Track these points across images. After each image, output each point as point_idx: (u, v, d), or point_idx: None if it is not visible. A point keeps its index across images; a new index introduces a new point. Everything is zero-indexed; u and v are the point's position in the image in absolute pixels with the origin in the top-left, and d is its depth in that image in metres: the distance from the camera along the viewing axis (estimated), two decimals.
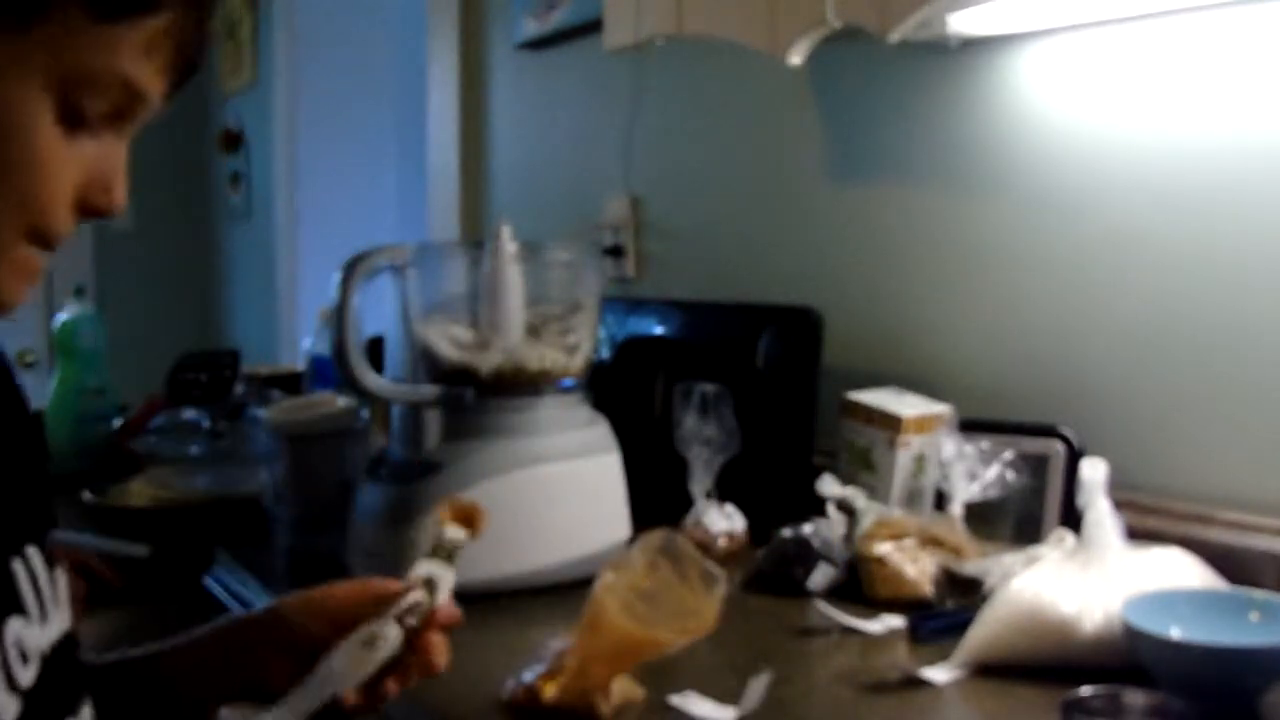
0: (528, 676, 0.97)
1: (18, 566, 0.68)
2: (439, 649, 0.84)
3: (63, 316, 2.06)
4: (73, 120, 0.63)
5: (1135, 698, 0.87)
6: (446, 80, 2.53)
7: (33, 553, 0.70)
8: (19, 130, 0.62)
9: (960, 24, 1.38)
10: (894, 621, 1.15)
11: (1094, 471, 1.07)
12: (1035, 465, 1.28)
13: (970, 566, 1.20)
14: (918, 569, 1.22)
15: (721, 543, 1.41)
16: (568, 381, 1.34)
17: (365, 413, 1.61)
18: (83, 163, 0.65)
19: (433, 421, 1.31)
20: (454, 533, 0.87)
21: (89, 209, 0.66)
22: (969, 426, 1.31)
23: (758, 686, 0.96)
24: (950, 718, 0.97)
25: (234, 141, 3.87)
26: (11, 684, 0.65)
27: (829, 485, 1.32)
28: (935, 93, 1.52)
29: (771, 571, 1.29)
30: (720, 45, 1.58)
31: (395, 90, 2.73)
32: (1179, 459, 1.28)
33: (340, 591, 0.87)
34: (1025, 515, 1.29)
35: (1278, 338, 1.20)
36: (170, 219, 4.20)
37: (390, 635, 0.81)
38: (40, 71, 0.61)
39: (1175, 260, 1.28)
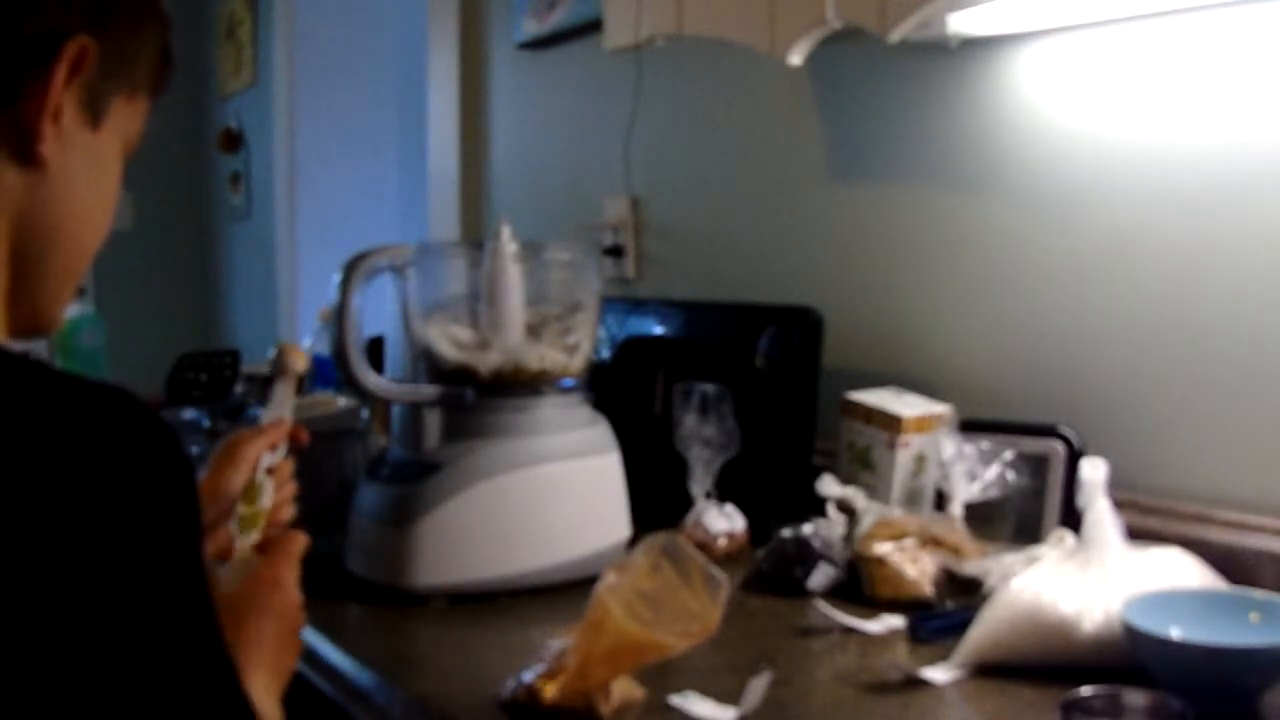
0: (528, 676, 0.97)
1: None
2: None
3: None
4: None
5: (1135, 698, 0.87)
6: (446, 80, 2.53)
7: None
8: (115, 194, 0.75)
9: (960, 24, 1.38)
10: (894, 621, 1.15)
11: (1094, 471, 1.07)
12: (1035, 465, 1.28)
13: (970, 566, 1.21)
14: (918, 569, 1.22)
15: (721, 543, 1.41)
16: (568, 381, 1.34)
17: (365, 413, 1.61)
18: None
19: (433, 421, 1.31)
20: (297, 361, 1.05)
21: None
22: (969, 426, 1.31)
23: (758, 686, 0.96)
24: (950, 718, 0.97)
25: (234, 141, 3.87)
26: None
27: (829, 485, 1.32)
28: (935, 93, 1.52)
29: (771, 571, 1.29)
30: (720, 45, 1.58)
31: (395, 90, 2.73)
32: (1179, 459, 1.28)
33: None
34: (1025, 515, 1.29)
35: (1277, 338, 1.20)
36: (170, 219, 4.20)
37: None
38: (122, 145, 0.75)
39: (1175, 260, 1.28)
